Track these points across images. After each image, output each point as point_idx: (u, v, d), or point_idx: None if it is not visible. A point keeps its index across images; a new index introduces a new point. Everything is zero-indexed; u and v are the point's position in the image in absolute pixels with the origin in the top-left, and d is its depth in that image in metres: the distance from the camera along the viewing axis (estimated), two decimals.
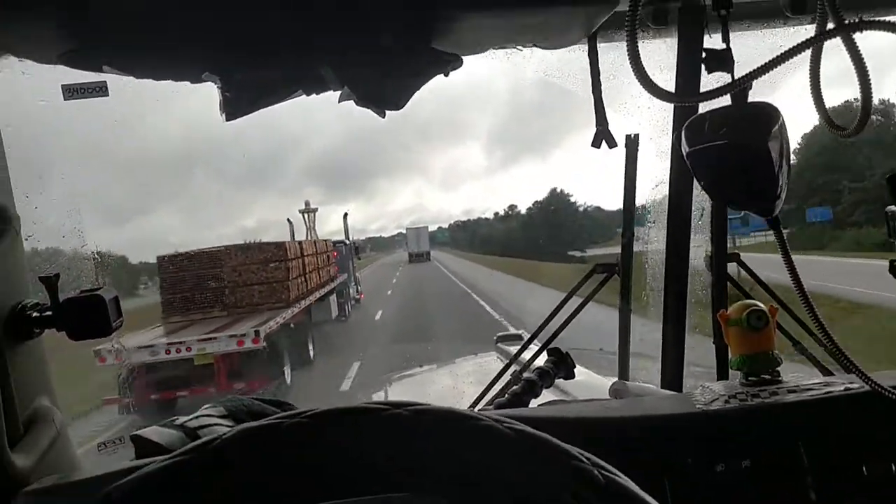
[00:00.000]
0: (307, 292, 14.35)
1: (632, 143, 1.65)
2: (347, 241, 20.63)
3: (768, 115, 1.13)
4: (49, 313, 1.13)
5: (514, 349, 2.86)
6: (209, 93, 1.17)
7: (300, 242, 15.55)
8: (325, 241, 18.36)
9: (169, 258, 13.40)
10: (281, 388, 10.90)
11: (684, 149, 1.17)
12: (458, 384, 2.86)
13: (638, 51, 1.05)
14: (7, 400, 1.05)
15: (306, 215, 18.96)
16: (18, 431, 1.10)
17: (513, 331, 3.59)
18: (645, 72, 1.06)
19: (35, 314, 1.13)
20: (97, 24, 1.05)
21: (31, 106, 1.31)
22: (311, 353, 13.21)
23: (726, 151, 1.13)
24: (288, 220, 17.78)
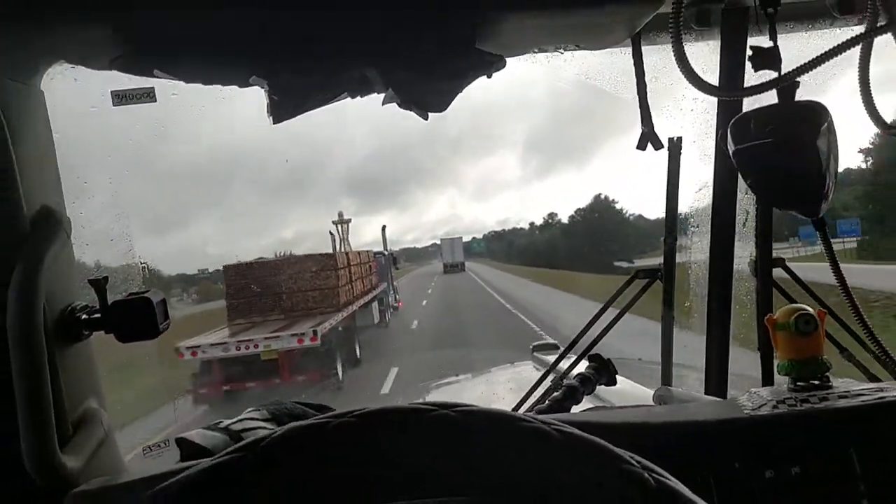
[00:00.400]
0: (354, 298, 15.71)
1: (675, 146, 1.63)
2: (386, 252, 22.12)
3: (816, 114, 1.11)
4: (98, 315, 1.15)
5: (550, 358, 2.85)
6: (253, 98, 1.19)
7: (346, 253, 17.06)
8: (368, 251, 19.63)
9: (233, 267, 15.04)
10: (334, 382, 12.27)
11: (730, 147, 1.15)
12: (495, 392, 2.84)
13: (682, 45, 1.04)
14: (57, 401, 1.07)
15: (339, 226, 19.67)
16: (68, 432, 1.12)
17: (549, 340, 3.53)
18: (690, 65, 1.05)
19: (84, 316, 1.16)
20: (148, 28, 1.08)
21: (82, 112, 1.35)
22: (358, 353, 14.53)
23: (773, 149, 1.11)
24: (331, 232, 18.84)
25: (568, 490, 0.54)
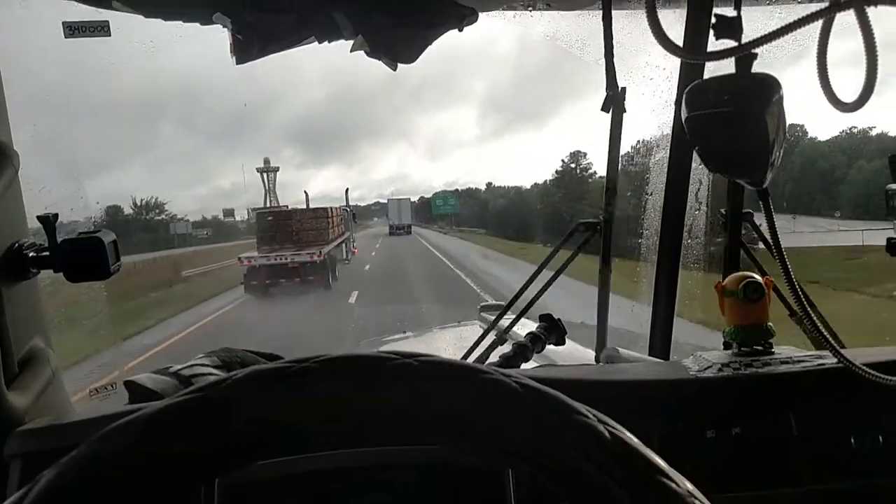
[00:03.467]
0: (335, 238, 24.44)
1: (617, 96, 1.61)
2: (348, 209, 30.56)
3: (769, 86, 1.13)
4: (46, 254, 1.11)
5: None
6: (217, 37, 1.15)
7: (331, 208, 26.20)
8: (341, 207, 29.60)
9: (261, 213, 26.36)
10: (326, 284, 20.43)
11: (683, 114, 1.17)
12: (444, 347, 2.86)
13: (655, 8, 1.04)
14: (3, 339, 1.04)
15: (265, 175, 21.61)
16: (14, 371, 1.10)
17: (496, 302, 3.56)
18: (659, 23, 1.05)
19: (32, 254, 1.12)
20: None
21: (30, 42, 1.28)
22: (337, 272, 22.44)
23: (723, 119, 1.13)
24: (305, 192, 28.32)
25: (526, 440, 0.55)
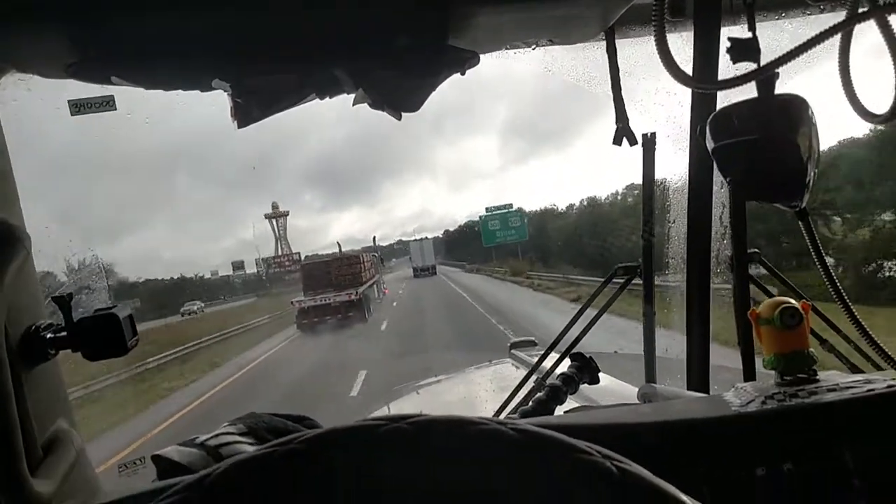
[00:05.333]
0: (367, 280, 29.22)
1: (649, 141, 1.62)
2: (376, 255, 36.64)
3: (796, 108, 1.10)
4: (64, 334, 1.10)
5: (528, 356, 2.84)
6: (216, 100, 1.15)
7: (362, 255, 31.78)
8: (372, 255, 35.03)
9: (306, 264, 31.62)
10: (364, 318, 25.12)
11: (709, 144, 1.14)
12: (477, 394, 2.81)
13: (664, 31, 1.02)
14: (25, 424, 1.02)
15: (275, 221, 21.54)
16: (38, 456, 1.08)
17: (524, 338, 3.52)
18: (670, 54, 1.03)
19: (50, 335, 1.11)
20: (103, 34, 1.03)
21: (38, 122, 1.29)
22: (371, 310, 27.14)
23: (753, 146, 1.10)
24: (337, 243, 31.78)
25: (530, 486, 0.53)
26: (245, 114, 1.12)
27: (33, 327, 1.10)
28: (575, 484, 0.51)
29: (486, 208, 44.84)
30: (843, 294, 1.09)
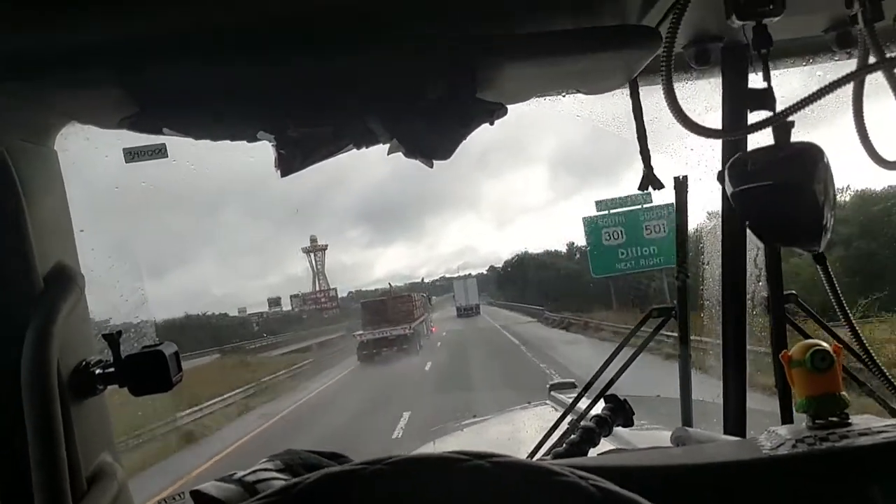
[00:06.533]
0: (417, 317, 33.30)
1: (680, 185, 1.63)
2: (425, 295, 41.58)
3: (811, 155, 1.12)
4: (112, 370, 1.15)
5: (566, 397, 2.82)
6: (262, 149, 1.21)
7: (413, 294, 36.88)
8: (421, 294, 40.40)
9: (366, 302, 35.87)
10: (416, 350, 29.29)
11: (728, 189, 1.16)
12: (514, 434, 2.80)
13: (674, 91, 1.06)
14: (71, 457, 1.07)
15: (312, 255, 20.57)
16: (82, 488, 1.12)
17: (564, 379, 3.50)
18: (681, 109, 1.06)
19: (98, 371, 1.16)
20: (156, 88, 1.10)
21: (94, 170, 1.37)
22: (422, 344, 31.23)
23: (770, 192, 1.12)
24: (389, 283, 34.44)
25: None
26: (287, 164, 1.18)
27: (84, 363, 1.16)
28: None
29: (597, 203, 25.75)
30: (863, 339, 1.09)
